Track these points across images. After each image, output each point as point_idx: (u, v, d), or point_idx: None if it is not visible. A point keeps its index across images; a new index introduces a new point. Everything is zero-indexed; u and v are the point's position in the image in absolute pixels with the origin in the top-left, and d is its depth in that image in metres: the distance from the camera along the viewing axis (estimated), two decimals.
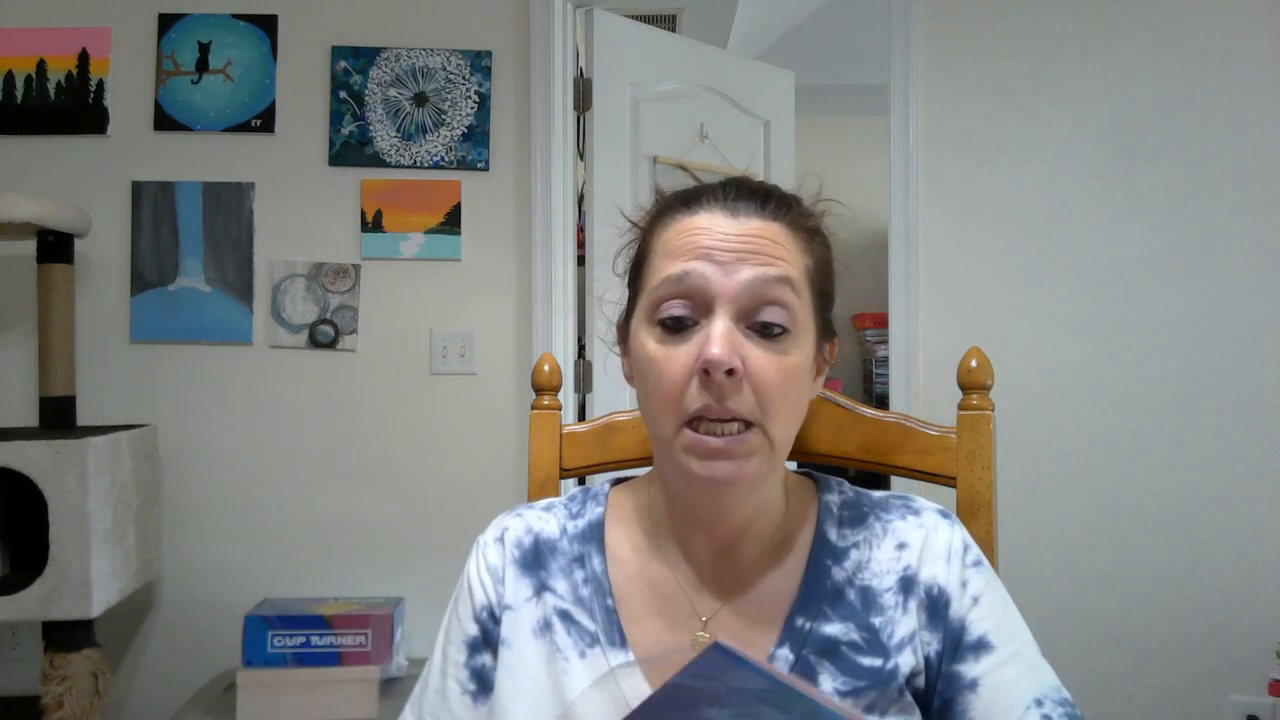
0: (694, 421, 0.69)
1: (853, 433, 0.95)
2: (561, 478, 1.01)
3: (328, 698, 1.82)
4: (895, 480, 1.75)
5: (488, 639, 0.78)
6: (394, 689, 1.90)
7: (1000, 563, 0.91)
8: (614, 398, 2.25)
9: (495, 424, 2.18)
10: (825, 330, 0.76)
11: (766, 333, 0.69)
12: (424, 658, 0.83)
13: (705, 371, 0.67)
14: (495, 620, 0.78)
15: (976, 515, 0.91)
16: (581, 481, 1.81)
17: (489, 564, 0.80)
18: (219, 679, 2.05)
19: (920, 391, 2.13)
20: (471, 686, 0.78)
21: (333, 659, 1.84)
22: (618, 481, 0.87)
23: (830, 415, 0.96)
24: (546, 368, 1.03)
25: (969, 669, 0.71)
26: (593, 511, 0.82)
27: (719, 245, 0.69)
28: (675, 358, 0.69)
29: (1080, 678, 2.12)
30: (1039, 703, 0.70)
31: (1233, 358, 2.02)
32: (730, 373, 0.67)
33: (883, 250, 2.20)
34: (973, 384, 0.92)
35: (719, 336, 0.67)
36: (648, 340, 0.72)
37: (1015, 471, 2.02)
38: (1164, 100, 2.07)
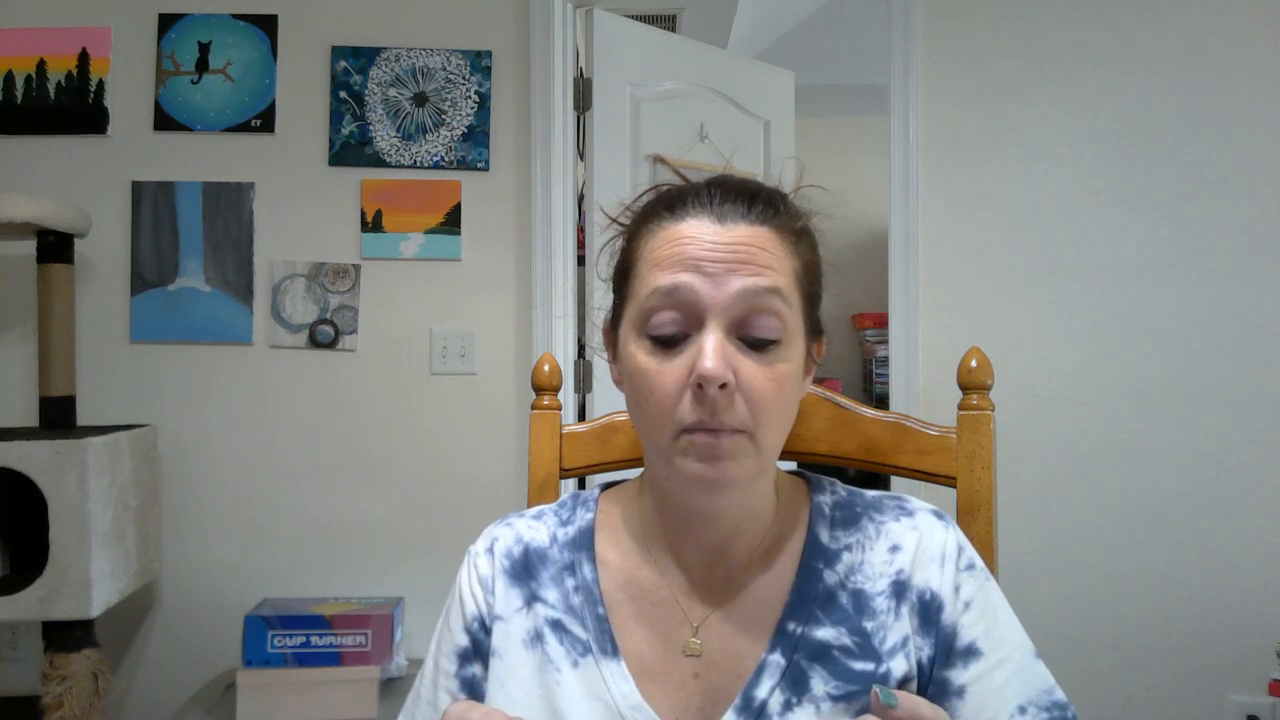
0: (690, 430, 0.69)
1: (852, 433, 0.95)
2: (562, 478, 1.01)
3: (328, 698, 1.82)
4: (895, 480, 1.76)
5: (478, 650, 0.78)
6: (394, 689, 1.90)
7: (1000, 563, 0.91)
8: (614, 398, 2.25)
9: (495, 424, 2.18)
10: (814, 330, 0.76)
11: (757, 343, 0.69)
12: (424, 657, 0.83)
13: (699, 385, 0.67)
14: (486, 631, 0.78)
15: (976, 515, 0.91)
16: (582, 482, 1.82)
17: (479, 574, 0.80)
18: (219, 679, 2.05)
19: (920, 391, 2.13)
20: (462, 697, 0.77)
21: (333, 659, 1.84)
22: (608, 486, 0.86)
23: (830, 415, 0.96)
24: (546, 368, 1.03)
25: (957, 675, 0.71)
26: (583, 518, 0.81)
27: (707, 255, 0.69)
28: (668, 371, 0.69)
29: (1080, 678, 2.14)
30: (1022, 710, 0.70)
31: (1233, 358, 2.03)
32: (723, 386, 0.66)
33: (883, 250, 2.20)
34: (973, 384, 0.92)
35: (712, 351, 0.66)
36: (638, 352, 0.71)
37: (1015, 471, 2.03)
38: (1164, 100, 2.07)
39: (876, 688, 0.59)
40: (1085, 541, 2.06)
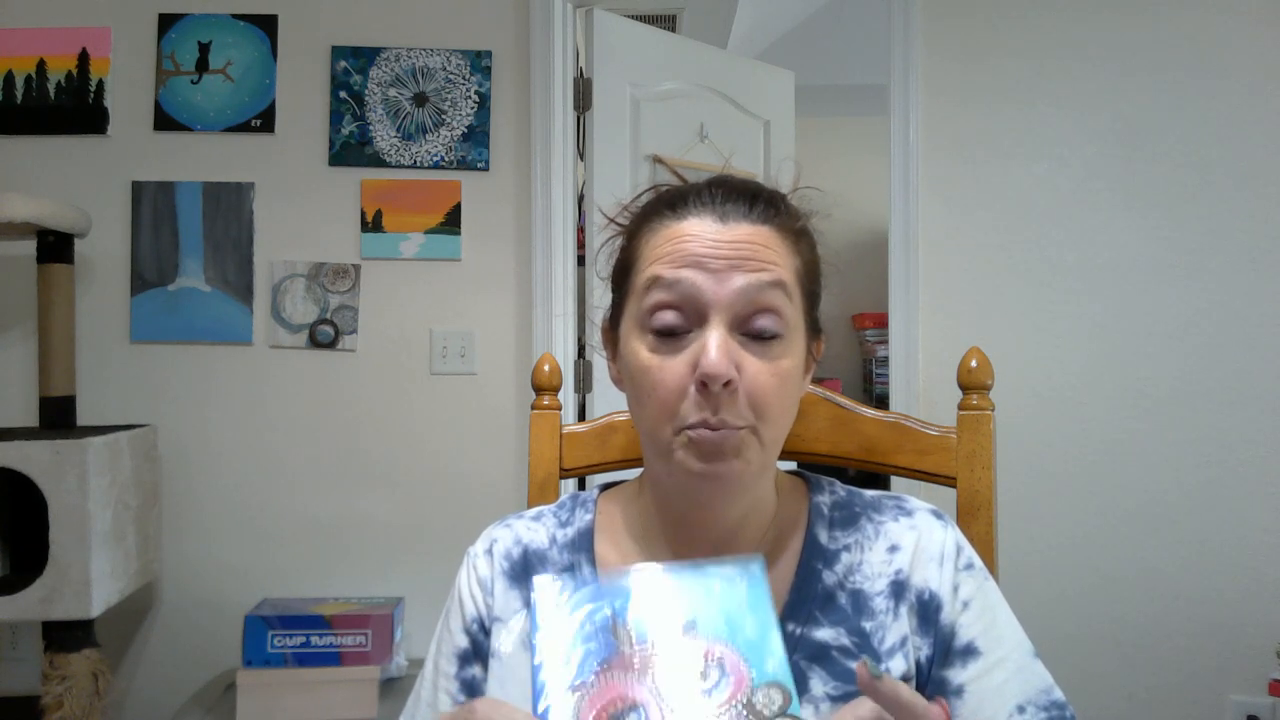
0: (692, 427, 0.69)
1: (852, 433, 0.95)
2: (562, 478, 1.01)
3: (328, 698, 1.82)
4: (895, 480, 1.76)
5: (478, 651, 0.78)
6: (394, 689, 1.90)
7: (1000, 563, 0.91)
8: (614, 397, 2.24)
9: (495, 424, 2.18)
10: (813, 329, 0.76)
11: (760, 339, 0.69)
12: (424, 657, 0.83)
13: (702, 383, 0.67)
14: (485, 632, 0.78)
15: (976, 515, 0.91)
16: (582, 482, 1.82)
17: (479, 576, 0.80)
18: (219, 679, 2.05)
19: (920, 391, 2.13)
20: (462, 698, 0.77)
21: (333, 659, 1.84)
22: (607, 486, 0.86)
23: (830, 415, 0.96)
24: (546, 368, 1.03)
25: (956, 675, 0.71)
26: (582, 519, 0.81)
27: (710, 252, 0.69)
28: (670, 367, 0.69)
29: (1080, 678, 2.13)
30: (1021, 709, 0.70)
31: (1233, 358, 2.03)
32: (727, 383, 0.66)
33: (883, 250, 2.20)
34: (973, 384, 0.92)
35: (715, 347, 0.66)
36: (640, 349, 0.71)
37: (1015, 471, 2.02)
38: (1164, 100, 2.07)
39: (865, 660, 0.59)
40: (1085, 541, 2.06)
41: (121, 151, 2.16)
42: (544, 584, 0.59)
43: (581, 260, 2.28)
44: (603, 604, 0.58)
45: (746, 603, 0.57)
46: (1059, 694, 0.72)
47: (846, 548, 0.76)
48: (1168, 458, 2.04)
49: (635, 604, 0.58)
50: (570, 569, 0.78)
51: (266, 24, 2.18)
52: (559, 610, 0.57)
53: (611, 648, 0.56)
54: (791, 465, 0.90)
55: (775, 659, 0.55)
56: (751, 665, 0.55)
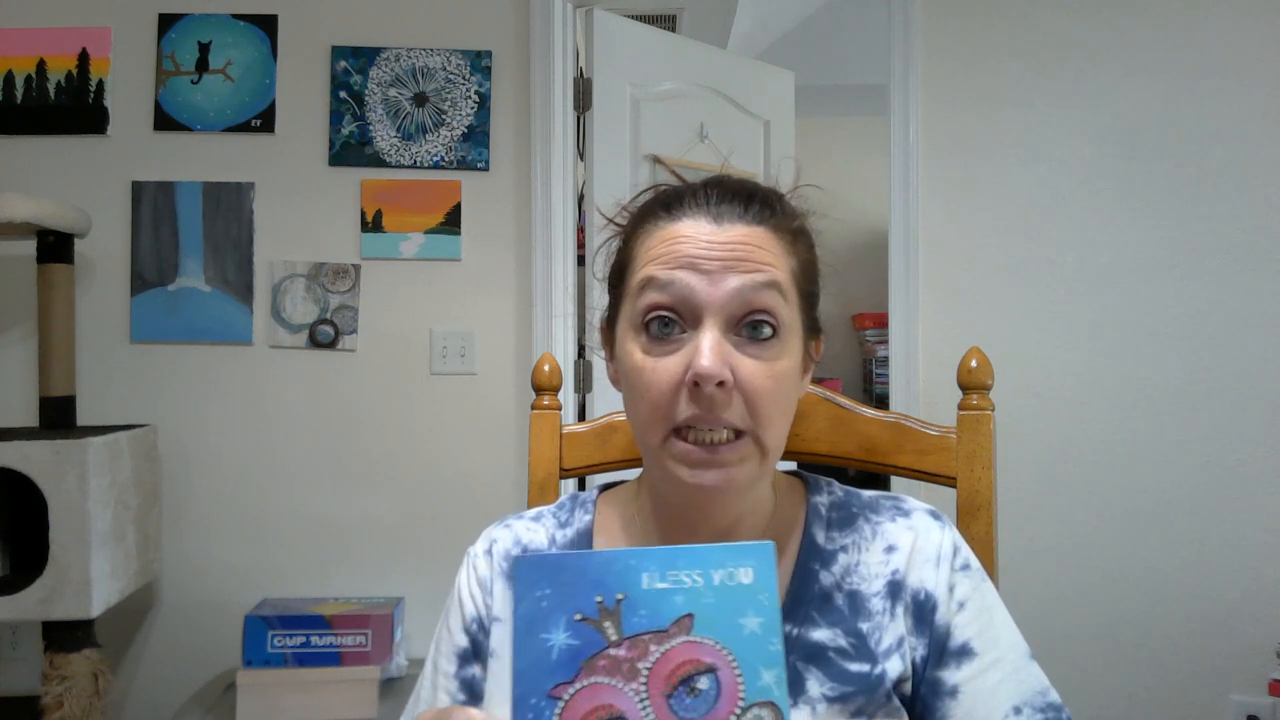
0: (683, 429, 0.69)
1: (852, 433, 0.95)
2: (562, 478, 1.01)
3: (328, 698, 1.82)
4: (895, 480, 1.76)
5: (477, 651, 0.78)
6: (394, 689, 1.90)
7: (1000, 563, 0.91)
8: (614, 398, 2.24)
9: (495, 424, 2.18)
10: (812, 328, 0.76)
11: (755, 340, 0.69)
12: (424, 657, 0.83)
13: (695, 384, 0.67)
14: (485, 632, 0.78)
15: (976, 515, 0.91)
16: (582, 482, 1.82)
17: (478, 576, 0.80)
18: (219, 679, 2.05)
19: (920, 391, 2.13)
20: (462, 697, 0.77)
21: (333, 659, 1.84)
22: (606, 487, 0.86)
23: (830, 415, 0.96)
24: (546, 368, 1.03)
25: (950, 675, 0.71)
26: (581, 520, 0.81)
27: (703, 254, 0.69)
28: (663, 368, 0.69)
29: (1080, 678, 2.13)
30: (1017, 710, 0.70)
31: (1233, 358, 2.03)
32: (720, 384, 0.66)
33: (883, 250, 2.20)
34: (973, 384, 0.92)
35: (708, 349, 0.66)
36: (634, 350, 0.71)
37: (1015, 471, 2.02)
38: (1164, 100, 2.07)
39: None
40: (1085, 541, 2.06)
41: (121, 151, 2.16)
42: (528, 564, 0.54)
43: (581, 260, 2.28)
44: (593, 588, 0.54)
45: (750, 597, 0.54)
46: (1055, 696, 0.72)
47: (844, 548, 0.76)
48: (1168, 458, 2.04)
49: (628, 590, 0.54)
50: None
51: (266, 24, 2.18)
52: (543, 596, 0.54)
53: (597, 642, 0.53)
54: (791, 465, 0.90)
55: (772, 671, 0.52)
56: (745, 679, 0.52)
